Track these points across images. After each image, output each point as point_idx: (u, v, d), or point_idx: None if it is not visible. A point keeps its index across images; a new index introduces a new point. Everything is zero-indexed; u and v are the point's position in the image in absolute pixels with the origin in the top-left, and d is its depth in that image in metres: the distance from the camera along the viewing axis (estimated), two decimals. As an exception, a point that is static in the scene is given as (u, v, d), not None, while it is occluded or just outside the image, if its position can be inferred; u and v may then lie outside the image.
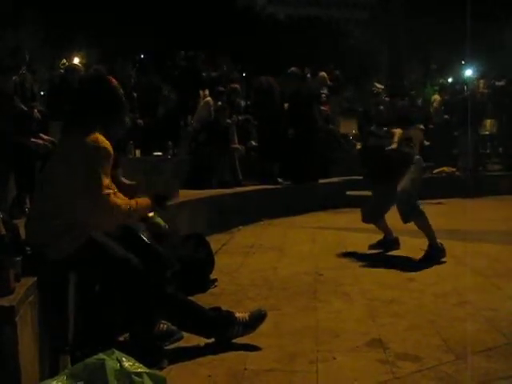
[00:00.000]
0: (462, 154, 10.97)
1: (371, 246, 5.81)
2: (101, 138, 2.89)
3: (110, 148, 2.92)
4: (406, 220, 5.28)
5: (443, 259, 5.32)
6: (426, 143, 10.84)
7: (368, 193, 6.03)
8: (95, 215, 2.87)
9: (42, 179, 3.07)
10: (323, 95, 11.16)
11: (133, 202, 3.03)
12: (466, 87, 13.37)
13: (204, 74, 11.18)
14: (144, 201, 3.12)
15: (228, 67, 12.79)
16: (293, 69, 9.26)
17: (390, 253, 5.73)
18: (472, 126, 10.73)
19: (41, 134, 5.29)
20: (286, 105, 9.33)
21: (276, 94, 9.28)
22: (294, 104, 8.99)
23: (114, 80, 3.19)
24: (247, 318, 3.24)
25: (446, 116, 11.89)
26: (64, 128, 3.21)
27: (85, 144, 2.86)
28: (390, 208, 5.59)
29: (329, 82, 11.89)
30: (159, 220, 3.77)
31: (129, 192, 3.22)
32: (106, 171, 2.88)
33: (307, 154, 8.79)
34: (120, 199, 2.96)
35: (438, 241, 5.33)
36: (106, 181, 2.86)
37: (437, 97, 12.37)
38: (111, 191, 2.89)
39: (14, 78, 6.14)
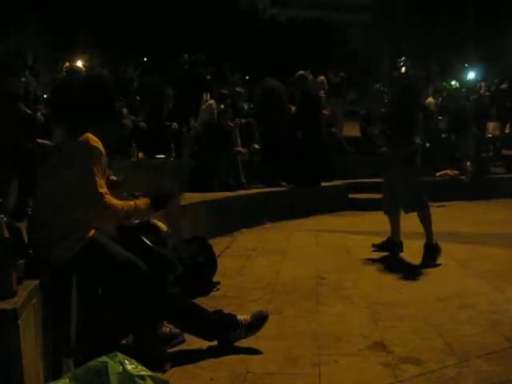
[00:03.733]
0: (463, 157, 10.94)
1: (374, 246, 5.81)
2: (91, 137, 2.91)
3: (101, 147, 2.93)
4: (406, 210, 5.48)
5: (445, 262, 5.34)
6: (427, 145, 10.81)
7: (370, 195, 6.03)
8: (92, 214, 2.90)
9: (41, 182, 3.08)
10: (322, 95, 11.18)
11: (131, 203, 3.05)
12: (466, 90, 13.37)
13: (208, 77, 11.18)
14: (142, 202, 3.13)
15: (230, 71, 12.80)
16: (301, 72, 9.28)
17: (392, 256, 5.71)
18: (474, 128, 10.72)
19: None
20: (293, 108, 9.33)
21: (284, 97, 9.30)
22: (303, 106, 8.98)
23: (105, 81, 3.21)
24: (249, 320, 3.24)
25: (440, 117, 11.87)
26: (65, 130, 3.24)
27: (77, 144, 2.88)
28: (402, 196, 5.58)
29: (326, 87, 11.90)
30: (160, 224, 3.76)
31: (113, 186, 3.25)
32: (100, 170, 2.90)
33: (312, 156, 8.79)
34: (117, 200, 2.98)
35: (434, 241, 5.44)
36: (101, 180, 2.88)
37: (431, 100, 12.35)
38: (105, 190, 2.91)
39: (23, 79, 6.15)
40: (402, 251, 5.76)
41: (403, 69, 5.89)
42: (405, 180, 5.44)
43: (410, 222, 5.99)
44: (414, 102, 5.71)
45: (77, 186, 2.86)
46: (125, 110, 8.05)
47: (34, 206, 3.23)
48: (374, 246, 5.81)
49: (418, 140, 5.60)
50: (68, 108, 3.27)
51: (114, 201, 2.93)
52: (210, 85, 10.93)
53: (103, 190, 2.89)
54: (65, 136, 3.15)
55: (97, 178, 2.86)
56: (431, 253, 5.34)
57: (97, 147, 2.90)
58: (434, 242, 5.40)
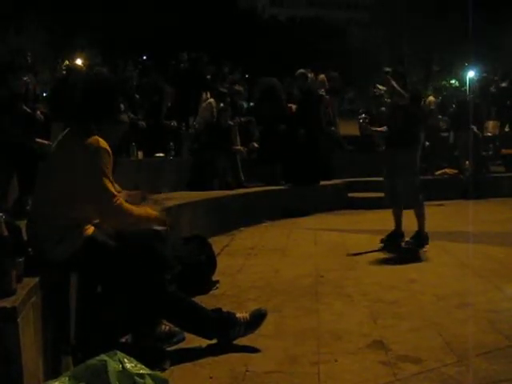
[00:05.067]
0: (462, 156, 10.94)
1: (382, 240, 6.03)
2: (100, 140, 2.91)
3: (109, 149, 2.93)
4: (406, 206, 5.94)
5: (444, 260, 5.40)
6: (426, 143, 10.81)
7: (369, 194, 6.13)
8: (101, 215, 2.93)
9: (40, 180, 3.07)
10: (326, 97, 11.16)
11: (142, 210, 3.06)
12: (467, 89, 13.35)
13: (208, 77, 11.14)
14: (153, 213, 3.13)
15: (229, 68, 12.79)
16: (301, 70, 9.27)
17: (391, 254, 5.74)
18: (473, 127, 10.70)
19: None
20: (294, 106, 9.31)
21: (281, 96, 9.28)
22: (303, 105, 8.97)
23: (107, 79, 3.21)
24: (248, 318, 3.24)
25: (439, 116, 11.86)
26: (65, 129, 3.22)
27: (85, 146, 2.87)
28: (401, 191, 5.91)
29: (327, 86, 11.89)
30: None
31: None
32: (109, 172, 2.90)
33: (312, 155, 8.79)
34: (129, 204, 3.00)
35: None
36: (111, 182, 2.89)
37: (432, 98, 12.33)
38: (120, 195, 2.93)
39: (25, 78, 6.15)
40: (403, 241, 6.04)
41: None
42: (405, 179, 5.79)
43: (410, 221, 6.04)
44: (419, 108, 6.14)
45: (83, 187, 2.85)
46: (122, 106, 8.01)
47: (34, 204, 3.23)
48: (381, 240, 6.05)
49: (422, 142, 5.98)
50: (67, 107, 3.26)
51: (125, 203, 2.94)
52: (210, 84, 10.90)
53: (114, 191, 2.90)
54: (66, 135, 3.12)
55: (108, 179, 2.87)
56: (419, 239, 5.85)
57: (106, 149, 2.90)
58: (425, 232, 5.87)
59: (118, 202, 2.89)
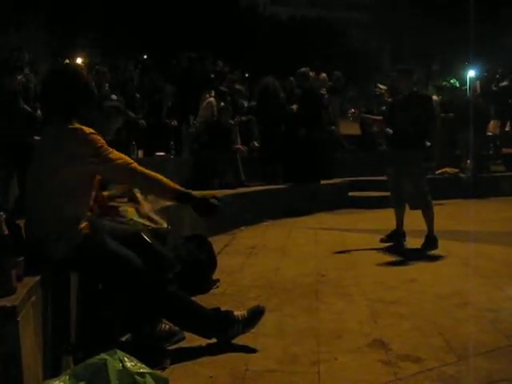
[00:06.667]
0: (463, 155, 10.93)
1: (382, 240, 6.05)
2: (83, 127, 2.87)
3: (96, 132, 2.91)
4: (412, 207, 5.97)
5: (444, 260, 5.44)
6: (428, 143, 10.78)
7: (370, 193, 6.13)
8: (117, 180, 3.09)
9: (33, 178, 2.98)
10: (326, 96, 11.16)
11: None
12: (468, 88, 13.33)
13: (213, 76, 11.13)
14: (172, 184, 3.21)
15: (229, 67, 12.77)
16: (303, 69, 9.26)
17: (392, 254, 5.73)
18: (475, 127, 10.69)
19: None
20: (294, 106, 9.31)
21: (281, 95, 9.28)
22: (304, 104, 8.97)
23: (75, 69, 3.17)
24: (246, 315, 3.24)
25: (442, 114, 11.83)
26: (44, 124, 3.18)
27: (72, 137, 2.83)
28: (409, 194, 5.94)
29: (329, 83, 11.90)
30: (160, 221, 3.77)
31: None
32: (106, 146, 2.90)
33: (313, 154, 8.79)
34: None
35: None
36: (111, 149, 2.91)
37: (435, 97, 12.29)
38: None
39: (19, 77, 6.14)
40: (405, 240, 6.10)
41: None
42: (412, 180, 5.82)
43: (411, 220, 6.04)
44: (427, 109, 6.03)
45: (78, 180, 2.84)
46: (114, 96, 7.98)
47: (30, 203, 3.12)
48: (381, 240, 6.06)
49: (428, 143, 6.16)
50: (43, 103, 3.22)
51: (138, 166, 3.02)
52: (214, 83, 10.88)
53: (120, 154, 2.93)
54: (47, 131, 3.06)
55: (108, 151, 2.86)
56: (430, 244, 5.78)
57: (92, 131, 2.86)
58: (434, 235, 5.81)
59: (129, 161, 2.96)
